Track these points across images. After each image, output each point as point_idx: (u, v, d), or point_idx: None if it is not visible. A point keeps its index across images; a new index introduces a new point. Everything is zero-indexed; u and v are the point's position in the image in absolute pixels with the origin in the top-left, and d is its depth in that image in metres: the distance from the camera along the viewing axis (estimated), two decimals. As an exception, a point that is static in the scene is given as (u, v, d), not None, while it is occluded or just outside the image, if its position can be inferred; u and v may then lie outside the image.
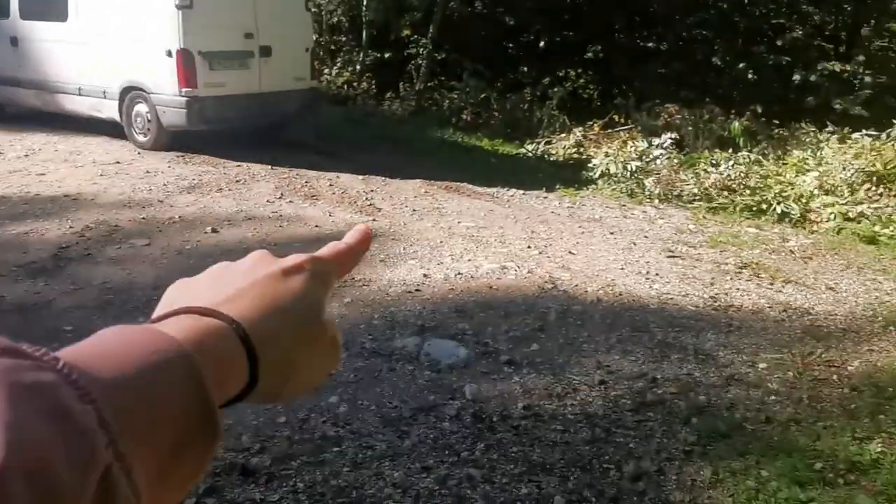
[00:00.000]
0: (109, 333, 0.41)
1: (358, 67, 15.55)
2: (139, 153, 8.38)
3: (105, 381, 0.36)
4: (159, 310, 0.49)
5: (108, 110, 8.74)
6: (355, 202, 7.02)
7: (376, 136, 11.00)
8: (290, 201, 6.89)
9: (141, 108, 8.46)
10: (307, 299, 0.51)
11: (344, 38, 16.80)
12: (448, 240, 5.98)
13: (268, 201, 6.82)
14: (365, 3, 14.73)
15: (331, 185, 7.63)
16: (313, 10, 12.67)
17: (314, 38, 11.17)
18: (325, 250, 0.58)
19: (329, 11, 15.81)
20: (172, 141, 8.44)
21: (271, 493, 2.84)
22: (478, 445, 3.20)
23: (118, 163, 7.92)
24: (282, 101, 8.87)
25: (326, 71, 14.95)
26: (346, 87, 14.91)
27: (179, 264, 5.13)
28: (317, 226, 6.18)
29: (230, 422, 3.24)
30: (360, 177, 8.04)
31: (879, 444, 3.23)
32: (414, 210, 6.87)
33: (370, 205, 6.96)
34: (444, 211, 6.94)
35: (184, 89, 7.98)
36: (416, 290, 4.88)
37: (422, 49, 14.98)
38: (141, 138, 8.58)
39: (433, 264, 5.38)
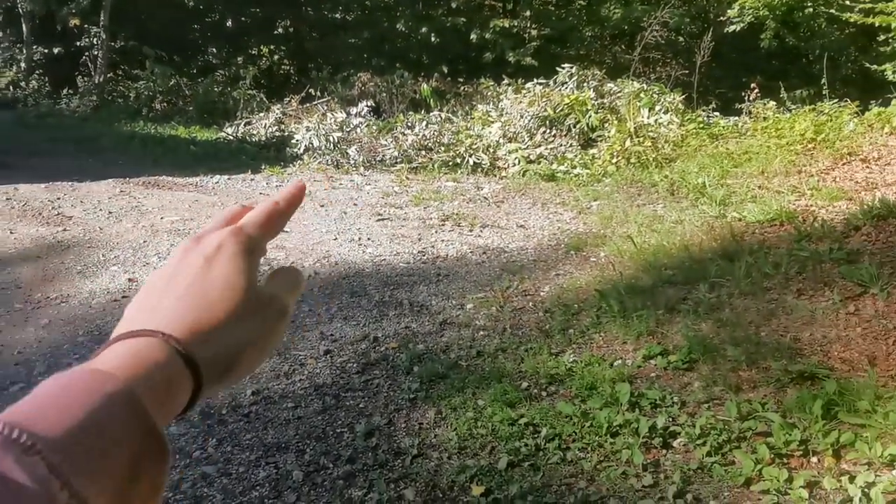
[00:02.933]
0: (47, 384, 0.41)
1: (23, 65, 14.00)
2: None
3: (49, 430, 0.38)
4: (115, 331, 0.49)
5: None
6: (40, 213, 6.37)
7: (56, 138, 10.03)
8: (-40, 224, 6.09)
9: None
10: (233, 280, 0.51)
11: (1, 34, 15.00)
12: (152, 238, 5.68)
13: (-70, 228, 5.96)
14: (18, -8, 13.25)
15: (8, 198, 6.85)
16: (-46, 4, 11.16)
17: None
18: (251, 215, 0.56)
19: (-24, 5, 14.01)
20: None
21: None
22: (209, 442, 3.13)
23: None
24: (-70, 112, 7.74)
25: (-16, 72, 13.27)
26: (11, 87, 13.37)
27: None
28: (-4, 246, 5.54)
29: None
30: (43, 185, 7.31)
31: (571, 355, 3.67)
32: (110, 212, 6.41)
33: (58, 214, 6.37)
34: (144, 209, 6.55)
35: None
36: (123, 296, 4.58)
37: (95, 39, 13.82)
38: None
39: (139, 266, 5.08)
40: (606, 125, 8.47)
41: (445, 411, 3.24)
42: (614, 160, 7.85)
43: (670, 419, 3.02)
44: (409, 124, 9.39)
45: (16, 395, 3.53)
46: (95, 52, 13.79)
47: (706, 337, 3.71)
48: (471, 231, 5.83)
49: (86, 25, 14.10)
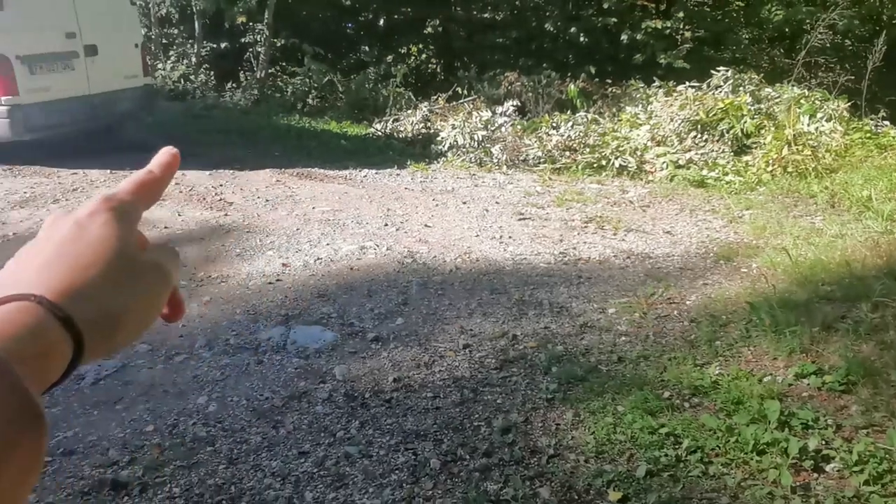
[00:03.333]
0: None
1: (194, 60, 15.00)
2: (-41, 171, 7.77)
3: None
4: None
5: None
6: (204, 198, 6.83)
7: (220, 129, 10.68)
8: (135, 205, 6.61)
9: (-43, 122, 7.82)
10: (108, 243, 0.50)
11: (176, 31, 16.13)
12: (304, 226, 5.96)
13: (111, 207, 6.51)
14: (194, -8, 14.21)
15: (177, 183, 7.37)
16: (139, 2, 12.11)
17: (143, 32, 10.67)
18: (125, 183, 0.56)
19: (157, 3, 15.12)
20: (-4, 154, 7.88)
21: (146, 502, 2.78)
22: (352, 423, 3.26)
23: (-64, 183, 7.31)
24: (114, 102, 8.44)
25: (160, 66, 14.32)
26: (182, 81, 14.35)
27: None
28: (166, 227, 5.98)
29: (94, 438, 3.14)
30: (207, 172, 7.82)
31: (717, 368, 3.55)
32: (267, 200, 6.77)
33: (220, 199, 6.80)
34: (297, 198, 6.88)
35: (3, 98, 7.44)
36: (277, 280, 4.85)
37: (259, 36, 14.63)
38: (-40, 155, 7.94)
39: (291, 252, 5.35)
40: (762, 132, 8.09)
41: (583, 414, 3.22)
42: (770, 168, 7.49)
43: (823, 442, 2.87)
44: (555, 125, 9.34)
45: (179, 364, 3.82)
46: (258, 49, 14.59)
47: (867, 358, 3.48)
48: (615, 234, 5.74)
49: (251, 23, 14.93)
